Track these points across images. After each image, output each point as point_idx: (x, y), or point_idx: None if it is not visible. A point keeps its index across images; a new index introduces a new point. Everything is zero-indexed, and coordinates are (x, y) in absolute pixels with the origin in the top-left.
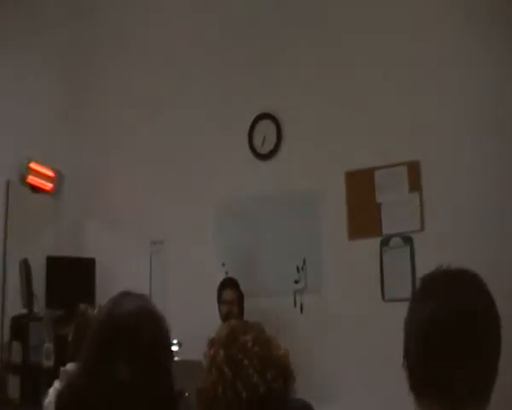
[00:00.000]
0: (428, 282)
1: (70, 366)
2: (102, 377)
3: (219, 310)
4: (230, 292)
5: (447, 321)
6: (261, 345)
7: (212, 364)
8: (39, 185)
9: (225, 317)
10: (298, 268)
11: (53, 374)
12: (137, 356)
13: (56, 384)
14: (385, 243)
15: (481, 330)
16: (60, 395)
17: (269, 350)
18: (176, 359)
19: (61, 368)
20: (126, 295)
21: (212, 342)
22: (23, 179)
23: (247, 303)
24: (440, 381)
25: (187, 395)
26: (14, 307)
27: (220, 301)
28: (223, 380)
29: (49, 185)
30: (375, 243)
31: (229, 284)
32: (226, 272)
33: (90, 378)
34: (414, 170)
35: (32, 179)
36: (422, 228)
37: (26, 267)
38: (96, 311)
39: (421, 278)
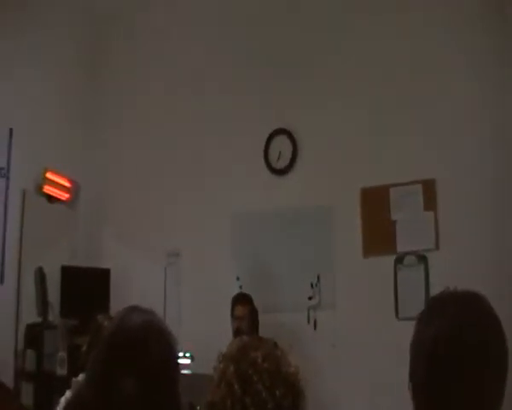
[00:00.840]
0: (434, 304)
1: (82, 377)
2: (109, 390)
3: (232, 325)
4: (241, 308)
5: (451, 344)
6: (271, 361)
7: (221, 379)
8: (55, 195)
9: (235, 333)
10: (312, 284)
11: (66, 383)
12: (144, 371)
13: (68, 394)
14: (399, 260)
15: (487, 354)
16: (67, 407)
17: (278, 367)
18: (188, 372)
19: (73, 379)
20: (134, 309)
21: (222, 357)
22: (39, 189)
23: (260, 318)
24: (443, 405)
25: (198, 408)
26: (29, 315)
27: (232, 316)
28: (231, 395)
29: (65, 195)
30: (389, 260)
31: (239, 299)
32: (240, 286)
33: (96, 391)
34: (429, 188)
35: (48, 189)
36: (437, 247)
37: (41, 276)
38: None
39: (428, 300)
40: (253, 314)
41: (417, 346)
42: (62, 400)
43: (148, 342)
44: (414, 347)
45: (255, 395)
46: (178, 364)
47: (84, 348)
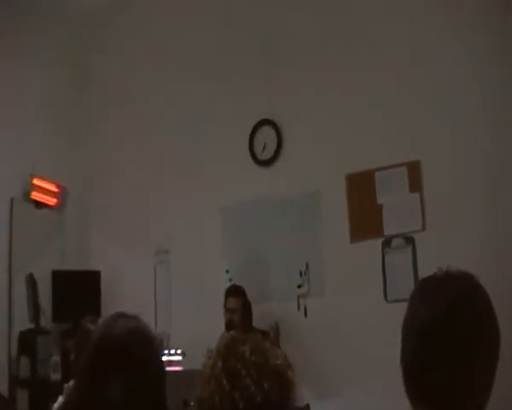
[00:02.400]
0: (425, 285)
1: (73, 383)
2: (95, 394)
3: (224, 318)
4: (233, 300)
5: (442, 325)
6: (259, 355)
7: (210, 374)
8: (43, 201)
9: (227, 325)
10: (301, 272)
11: (61, 387)
12: (129, 376)
13: (60, 400)
14: (387, 244)
15: (478, 334)
16: None
17: (266, 359)
18: (179, 368)
19: (65, 384)
20: (119, 316)
21: (210, 353)
22: (27, 196)
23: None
24: (434, 387)
25: (192, 404)
26: (22, 321)
27: (224, 308)
28: (220, 391)
29: (52, 200)
30: (376, 244)
31: (232, 291)
32: (230, 279)
33: (83, 396)
34: (414, 170)
35: (35, 195)
36: (424, 228)
37: (31, 282)
38: (94, 327)
39: (419, 281)
40: (246, 306)
41: (408, 327)
42: (55, 406)
43: (132, 348)
44: (404, 327)
45: (244, 390)
46: (163, 368)
47: (72, 355)
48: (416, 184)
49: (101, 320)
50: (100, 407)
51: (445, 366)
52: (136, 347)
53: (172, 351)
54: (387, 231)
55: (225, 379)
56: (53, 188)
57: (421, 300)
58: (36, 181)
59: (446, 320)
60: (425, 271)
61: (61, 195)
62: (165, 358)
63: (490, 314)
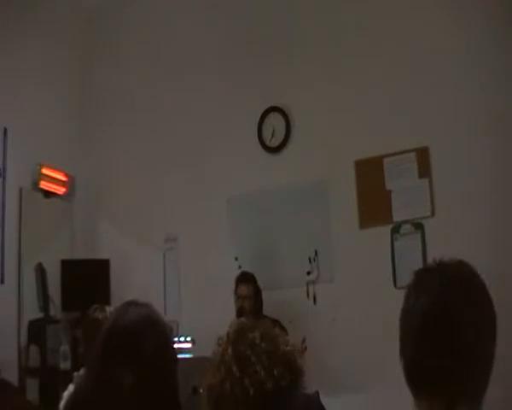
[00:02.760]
0: (420, 276)
1: (83, 371)
2: (106, 384)
3: (235, 304)
4: (243, 287)
5: (438, 316)
6: (269, 341)
7: (220, 361)
8: (52, 190)
9: (238, 312)
10: (310, 259)
11: (70, 376)
12: (140, 363)
13: (71, 388)
14: (396, 230)
15: (473, 323)
16: (67, 403)
17: (276, 346)
18: (189, 356)
19: (75, 373)
20: (130, 304)
21: (220, 340)
22: (36, 185)
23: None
24: (434, 377)
25: (201, 391)
26: (31, 311)
27: (235, 295)
28: (230, 377)
29: (61, 190)
30: (385, 230)
31: (242, 278)
32: (239, 267)
33: (94, 386)
34: (423, 156)
35: (44, 185)
36: (433, 214)
37: (41, 272)
38: (101, 315)
39: (413, 273)
40: (257, 293)
41: (405, 321)
42: (65, 394)
43: (144, 335)
44: (402, 322)
45: (254, 376)
46: (175, 355)
47: (81, 344)
48: (424, 169)
49: (112, 308)
50: (111, 394)
51: (446, 353)
52: (147, 334)
53: (182, 338)
54: (396, 218)
55: (235, 365)
56: (62, 177)
57: (418, 294)
58: (45, 170)
59: (444, 309)
60: (434, 256)
61: (70, 184)
62: (175, 345)
63: (486, 298)
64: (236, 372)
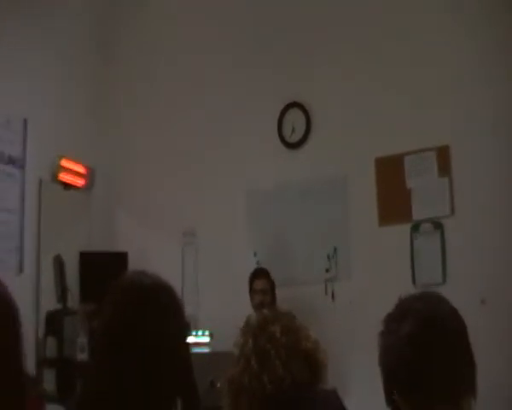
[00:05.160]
0: (404, 302)
1: None
2: (111, 366)
3: (252, 300)
4: (264, 281)
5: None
6: (290, 336)
7: (240, 353)
8: (71, 182)
9: (258, 307)
10: (328, 256)
11: (87, 367)
12: (152, 322)
13: None
14: (415, 228)
15: (453, 338)
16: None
17: (297, 341)
18: (207, 350)
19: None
20: (138, 273)
21: (243, 331)
22: (55, 177)
23: (278, 293)
24: (423, 385)
25: (219, 385)
26: (49, 302)
27: (252, 290)
28: (249, 371)
29: (80, 182)
30: (405, 228)
31: (258, 274)
32: (258, 262)
33: (99, 369)
34: (443, 154)
35: (63, 177)
36: (452, 213)
37: (59, 263)
38: None
39: (385, 317)
40: (272, 288)
41: (386, 357)
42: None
43: (153, 298)
44: (383, 357)
45: (272, 372)
46: (185, 323)
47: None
48: (445, 168)
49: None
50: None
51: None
52: (156, 296)
53: (200, 333)
54: (416, 216)
55: (254, 359)
56: (81, 169)
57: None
58: (64, 162)
59: (422, 341)
60: (453, 256)
61: (89, 176)
62: (192, 339)
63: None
64: (255, 366)
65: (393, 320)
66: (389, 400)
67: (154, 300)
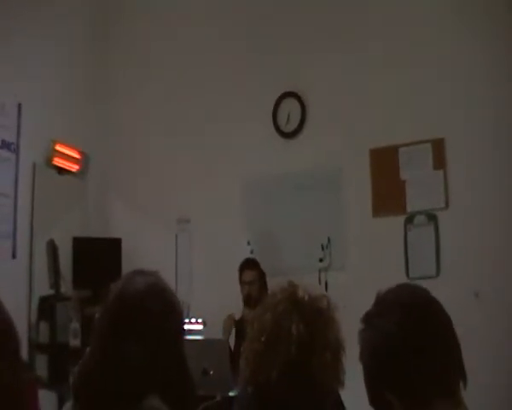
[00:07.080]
0: (385, 298)
1: None
2: (111, 354)
3: (241, 291)
4: (250, 273)
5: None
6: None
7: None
8: (65, 167)
9: (245, 298)
10: (322, 246)
11: (80, 353)
12: (146, 332)
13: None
14: (409, 220)
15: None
16: (74, 376)
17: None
18: (200, 337)
19: (87, 348)
20: (137, 273)
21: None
22: (49, 162)
23: (272, 282)
24: (417, 379)
25: (211, 373)
26: (42, 287)
27: (241, 282)
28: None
29: (74, 167)
30: (399, 220)
31: (247, 264)
32: (251, 251)
33: (99, 356)
34: (438, 147)
35: (57, 161)
36: (447, 205)
37: (52, 248)
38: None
39: (364, 316)
40: (262, 277)
41: (377, 341)
42: (76, 370)
43: (148, 305)
44: (368, 354)
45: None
46: (183, 322)
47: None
48: (440, 161)
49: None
50: (118, 365)
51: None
52: (151, 303)
53: (193, 320)
54: (410, 208)
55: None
56: (75, 154)
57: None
58: (58, 147)
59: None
60: (447, 248)
61: (84, 161)
62: (185, 326)
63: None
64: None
65: (375, 316)
66: (374, 399)
67: (143, 311)
